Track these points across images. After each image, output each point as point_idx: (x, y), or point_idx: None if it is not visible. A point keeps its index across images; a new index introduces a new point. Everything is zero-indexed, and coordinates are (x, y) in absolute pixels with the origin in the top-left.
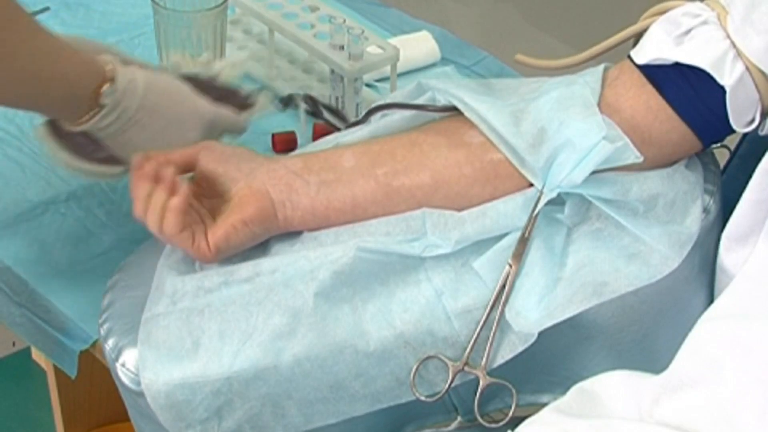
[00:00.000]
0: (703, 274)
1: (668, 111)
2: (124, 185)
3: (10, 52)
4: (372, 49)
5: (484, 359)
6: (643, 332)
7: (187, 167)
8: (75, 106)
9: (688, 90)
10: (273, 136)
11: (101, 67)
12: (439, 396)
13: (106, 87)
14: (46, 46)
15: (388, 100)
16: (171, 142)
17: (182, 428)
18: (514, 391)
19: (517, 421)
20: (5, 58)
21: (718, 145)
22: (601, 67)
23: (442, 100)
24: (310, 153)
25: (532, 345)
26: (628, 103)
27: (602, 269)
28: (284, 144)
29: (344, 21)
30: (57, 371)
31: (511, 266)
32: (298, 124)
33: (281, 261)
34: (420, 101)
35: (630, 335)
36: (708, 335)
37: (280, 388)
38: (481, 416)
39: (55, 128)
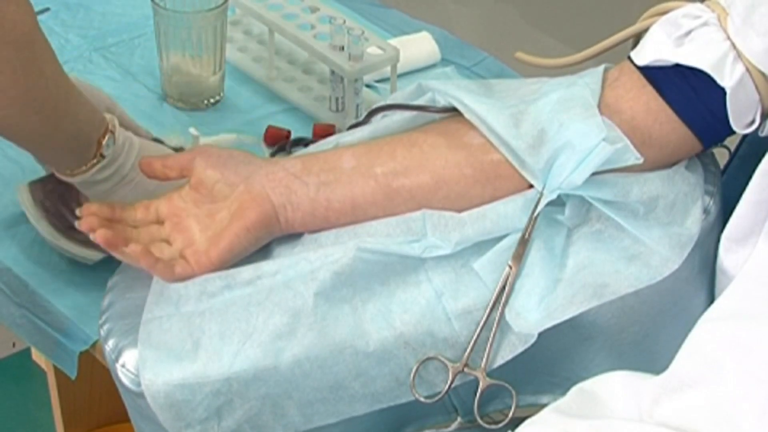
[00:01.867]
0: (703, 274)
1: (668, 112)
2: None
3: (29, 84)
4: (372, 50)
5: (484, 360)
6: (643, 333)
7: (183, 173)
8: (78, 151)
9: (688, 91)
10: (267, 128)
11: (103, 117)
12: (438, 397)
13: (107, 138)
14: (62, 82)
15: (389, 101)
16: None
17: (182, 428)
18: (513, 392)
19: (517, 421)
20: (24, 90)
21: (718, 145)
22: (601, 67)
23: (442, 101)
24: (309, 154)
25: (532, 346)
26: (628, 105)
27: (602, 270)
28: (275, 139)
29: (344, 22)
30: (57, 372)
31: (511, 267)
32: (297, 124)
33: (282, 263)
34: (420, 102)
35: (630, 336)
36: (708, 335)
37: (280, 388)
38: (481, 417)
39: (34, 195)
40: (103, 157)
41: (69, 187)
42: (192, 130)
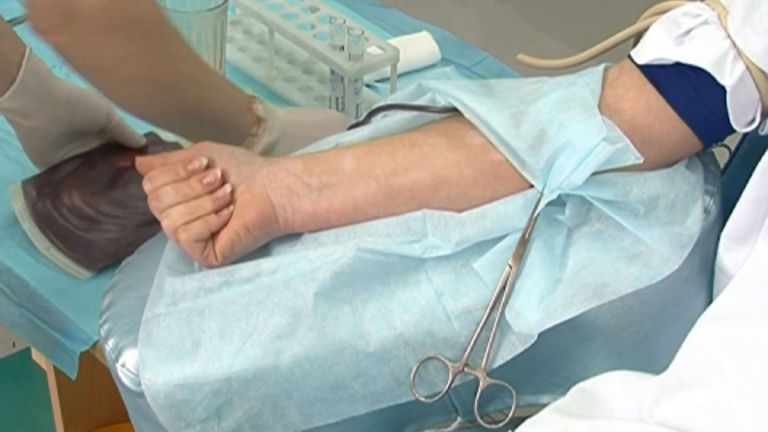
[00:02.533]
0: (703, 274)
1: (669, 111)
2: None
3: (165, 66)
4: (372, 50)
5: (484, 360)
6: (643, 333)
7: None
8: (237, 120)
9: (688, 90)
10: None
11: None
12: (438, 397)
13: (256, 104)
14: (198, 62)
15: (389, 101)
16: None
17: (182, 428)
18: (513, 392)
19: (517, 421)
20: (162, 72)
21: (718, 144)
22: (601, 67)
23: (442, 101)
24: (310, 155)
25: (533, 346)
26: (628, 104)
27: (603, 270)
28: None
29: (344, 21)
30: (57, 372)
31: (511, 267)
32: None
33: (282, 261)
34: (420, 102)
35: (630, 336)
36: (708, 335)
37: (280, 388)
38: (481, 417)
39: (27, 195)
40: (261, 119)
41: (61, 189)
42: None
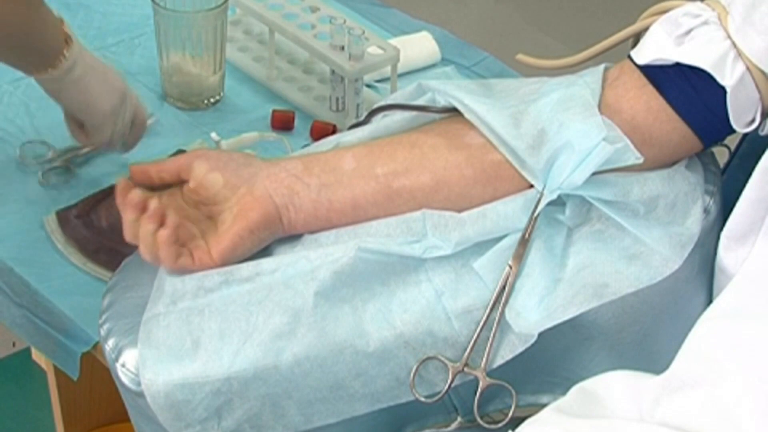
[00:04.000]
0: (703, 274)
1: (669, 111)
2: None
3: None
4: (372, 50)
5: (484, 360)
6: (643, 332)
7: (181, 176)
8: (50, 37)
9: (688, 90)
10: (273, 112)
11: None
12: (438, 396)
13: (64, 26)
14: None
15: (389, 101)
16: (103, 93)
17: (182, 428)
18: (513, 391)
19: (517, 421)
20: None
21: (718, 144)
22: (602, 67)
23: (442, 101)
24: (310, 155)
25: (533, 345)
26: (628, 104)
27: (603, 270)
28: (281, 122)
29: (345, 21)
30: (57, 372)
31: (511, 267)
32: (297, 124)
33: (282, 261)
34: (420, 102)
35: (630, 335)
36: (708, 335)
37: (280, 387)
38: (481, 417)
39: (64, 223)
40: (70, 38)
41: (95, 212)
42: (213, 135)
